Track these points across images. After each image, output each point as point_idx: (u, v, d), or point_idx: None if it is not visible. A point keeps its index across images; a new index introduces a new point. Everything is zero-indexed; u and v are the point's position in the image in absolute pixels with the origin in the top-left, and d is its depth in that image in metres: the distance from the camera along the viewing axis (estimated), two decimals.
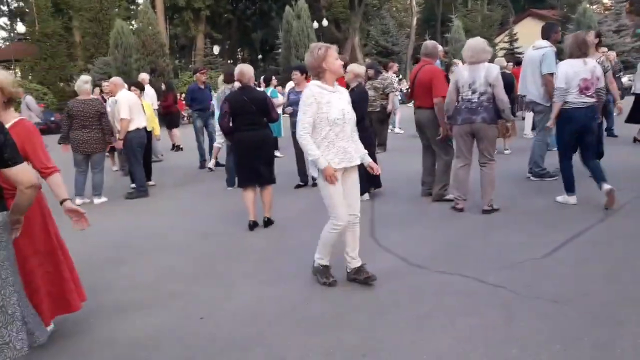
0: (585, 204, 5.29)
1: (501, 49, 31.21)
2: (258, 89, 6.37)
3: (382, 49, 34.03)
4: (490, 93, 5.09)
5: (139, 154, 7.23)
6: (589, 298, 3.20)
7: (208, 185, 7.98)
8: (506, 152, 8.60)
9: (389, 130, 11.46)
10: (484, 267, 3.82)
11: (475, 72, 5.11)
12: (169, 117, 12.25)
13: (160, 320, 3.34)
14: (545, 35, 6.38)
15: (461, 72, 5.28)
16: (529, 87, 6.27)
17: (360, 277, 3.64)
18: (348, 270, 3.72)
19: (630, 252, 3.94)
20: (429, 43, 6.16)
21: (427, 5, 47.49)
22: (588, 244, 4.20)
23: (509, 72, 9.54)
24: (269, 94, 7.26)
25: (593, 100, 5.09)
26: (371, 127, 7.83)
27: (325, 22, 33.35)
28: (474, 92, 5.13)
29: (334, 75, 3.51)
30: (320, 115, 3.42)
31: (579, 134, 5.12)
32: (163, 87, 12.91)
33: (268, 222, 5.38)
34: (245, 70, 5.26)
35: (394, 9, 42.73)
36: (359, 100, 5.81)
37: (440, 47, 5.88)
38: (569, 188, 5.35)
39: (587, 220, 4.74)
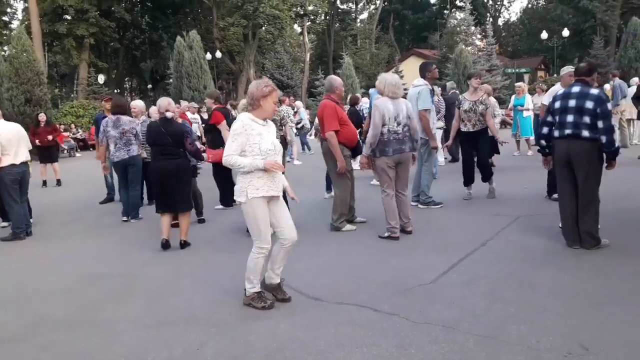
0: (468, 229, 5.64)
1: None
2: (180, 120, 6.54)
3: (277, 82, 34.56)
4: (408, 125, 5.49)
5: (13, 192, 6.48)
6: (474, 319, 3.36)
7: (95, 221, 7.39)
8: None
9: (287, 162, 11.54)
10: (378, 295, 3.88)
11: (397, 105, 5.43)
12: (46, 151, 11.44)
13: None
14: (422, 74, 6.81)
15: (386, 105, 5.40)
16: None
17: (278, 296, 3.88)
18: (267, 282, 3.92)
19: (510, 272, 4.23)
20: (327, 78, 6.31)
21: (319, 42, 49.45)
22: (472, 266, 4.44)
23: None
24: None
25: None
26: None
27: (219, 54, 33.22)
28: (399, 124, 5.41)
29: (265, 114, 3.71)
30: (253, 145, 3.57)
31: None
32: (43, 117, 11.90)
33: (184, 245, 5.56)
34: (171, 101, 5.80)
35: (288, 44, 43.82)
36: None
37: (335, 82, 6.02)
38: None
39: (471, 244, 5.03)
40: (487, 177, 7.25)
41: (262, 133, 3.63)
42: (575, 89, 4.69)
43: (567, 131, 4.63)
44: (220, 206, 7.59)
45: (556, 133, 4.77)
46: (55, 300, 4.24)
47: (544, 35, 33.15)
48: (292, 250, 3.88)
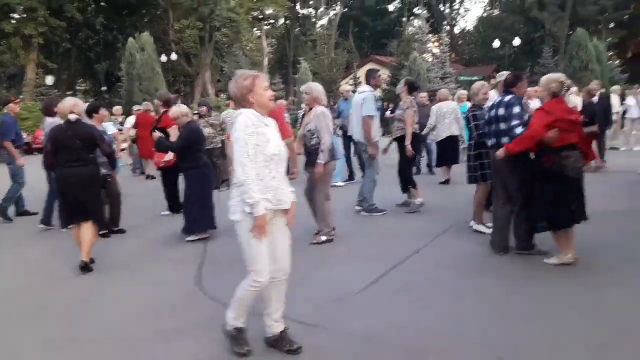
0: (405, 236, 5.64)
1: (346, 90, 33.32)
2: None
3: None
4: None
5: None
6: (395, 330, 3.32)
7: (31, 230, 6.96)
8: None
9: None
10: (304, 306, 3.79)
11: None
12: None
13: None
14: (367, 81, 6.88)
15: (328, 113, 5.56)
16: (355, 128, 6.63)
17: (283, 348, 3.07)
18: (268, 335, 3.18)
19: (439, 280, 4.24)
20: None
21: (280, 46, 49.26)
22: (403, 275, 4.43)
23: None
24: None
25: None
26: (213, 164, 7.74)
27: (174, 56, 32.57)
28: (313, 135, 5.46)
29: (262, 110, 2.94)
30: (256, 148, 2.82)
31: None
32: None
33: (86, 268, 4.83)
34: (79, 102, 5.25)
35: (248, 47, 43.38)
36: (194, 137, 5.94)
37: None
38: None
39: (405, 252, 5.02)
40: (402, 187, 7.08)
41: (267, 133, 2.88)
42: (499, 98, 4.89)
43: (492, 140, 4.88)
44: (167, 212, 7.37)
45: (488, 142, 5.02)
46: None
47: (497, 43, 34.06)
48: (285, 289, 3.30)
